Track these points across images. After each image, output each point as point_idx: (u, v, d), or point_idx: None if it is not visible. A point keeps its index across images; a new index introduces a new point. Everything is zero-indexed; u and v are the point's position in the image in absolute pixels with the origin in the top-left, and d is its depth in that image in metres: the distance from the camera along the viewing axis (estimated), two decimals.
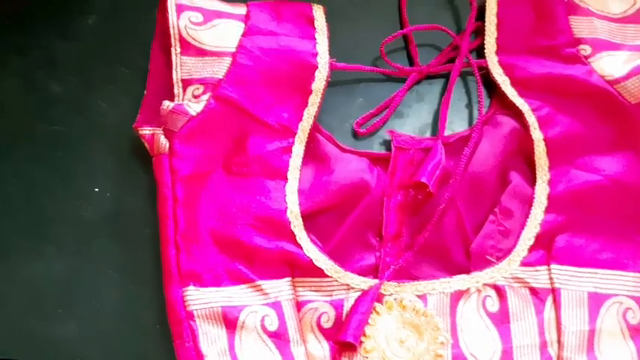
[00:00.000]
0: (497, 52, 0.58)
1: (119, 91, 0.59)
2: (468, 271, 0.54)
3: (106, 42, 0.60)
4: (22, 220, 0.56)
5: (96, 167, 0.57)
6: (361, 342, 0.51)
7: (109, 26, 0.61)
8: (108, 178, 0.57)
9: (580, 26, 0.57)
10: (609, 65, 0.55)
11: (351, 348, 0.51)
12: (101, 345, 0.54)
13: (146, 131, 0.54)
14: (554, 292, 0.52)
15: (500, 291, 0.53)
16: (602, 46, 0.56)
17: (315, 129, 0.56)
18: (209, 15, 0.55)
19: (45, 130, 0.58)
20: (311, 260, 0.52)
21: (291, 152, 0.55)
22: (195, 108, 0.53)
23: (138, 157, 0.57)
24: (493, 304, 0.53)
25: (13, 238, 0.56)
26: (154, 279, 0.54)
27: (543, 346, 0.52)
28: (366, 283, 0.53)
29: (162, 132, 0.53)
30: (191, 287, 0.51)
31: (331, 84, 0.57)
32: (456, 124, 0.59)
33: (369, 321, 0.52)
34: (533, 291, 0.53)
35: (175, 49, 0.54)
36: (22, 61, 0.60)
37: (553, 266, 0.53)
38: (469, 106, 0.60)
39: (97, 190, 0.57)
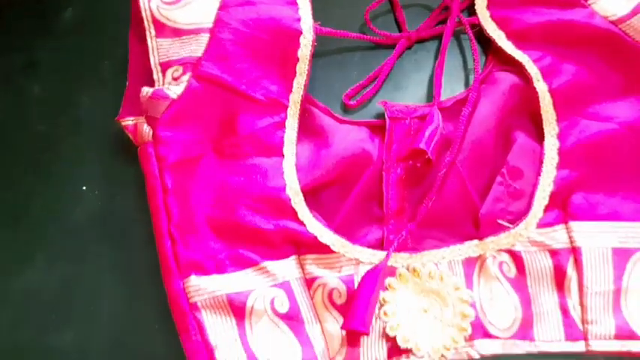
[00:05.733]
0: (489, 7, 0.51)
1: (102, 85, 0.53)
2: (477, 239, 0.47)
3: (86, 34, 0.54)
4: (10, 227, 0.51)
5: (82, 165, 0.51)
6: (385, 322, 0.45)
7: (88, 17, 0.55)
8: (95, 176, 0.51)
9: None
10: (611, 4, 0.48)
11: (364, 334, 0.45)
12: (100, 351, 0.48)
13: (129, 122, 0.49)
14: (575, 252, 0.45)
15: (515, 256, 0.46)
16: None
17: (308, 101, 0.50)
18: None
19: (28, 131, 0.53)
20: (315, 237, 0.46)
21: (284, 127, 0.48)
22: (175, 90, 0.47)
23: (124, 151, 0.50)
24: (509, 270, 0.46)
25: (3, 247, 0.50)
26: (149, 278, 0.48)
27: (565, 310, 0.45)
28: (376, 256, 0.46)
29: (144, 121, 0.47)
30: (192, 277, 0.44)
31: (322, 57, 0.51)
32: (452, 89, 0.52)
33: (388, 299, 0.45)
34: (553, 252, 0.45)
35: (150, 32, 0.48)
36: (1, 64, 0.54)
37: (572, 223, 0.46)
38: (463, 68, 0.53)
39: (84, 188, 0.51)
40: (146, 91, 0.47)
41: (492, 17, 0.51)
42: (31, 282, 0.49)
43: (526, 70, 0.48)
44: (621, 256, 0.45)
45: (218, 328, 0.44)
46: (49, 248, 0.50)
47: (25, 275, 0.49)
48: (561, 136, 0.47)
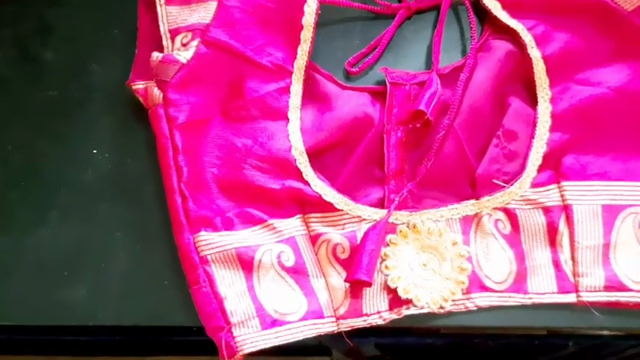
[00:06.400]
0: None
1: (112, 52, 0.54)
2: (473, 199, 0.49)
3: (96, 3, 0.56)
4: (23, 188, 0.52)
5: (93, 129, 0.53)
6: (386, 275, 0.47)
7: None
8: (105, 139, 0.53)
9: None
10: None
11: (366, 285, 0.46)
12: (111, 306, 0.49)
13: (139, 85, 0.50)
14: (567, 209, 0.47)
15: (510, 214, 0.48)
16: None
17: (312, 68, 0.52)
18: None
19: (41, 97, 0.54)
20: (320, 195, 0.48)
21: (289, 92, 0.50)
22: (185, 55, 0.48)
23: (134, 116, 0.52)
24: (504, 227, 0.48)
25: (16, 207, 0.52)
26: (160, 236, 0.50)
27: (557, 264, 0.47)
28: (377, 214, 0.48)
29: (154, 84, 0.49)
30: (203, 232, 0.46)
31: (326, 26, 0.53)
32: (450, 58, 0.53)
33: (389, 254, 0.47)
34: (546, 210, 0.48)
35: (159, 0, 0.50)
36: (14, 32, 0.56)
37: (563, 183, 0.48)
38: (460, 37, 0.55)
39: (95, 151, 0.52)
40: (156, 55, 0.49)
41: None
42: (44, 240, 0.51)
43: (520, 38, 0.50)
44: (610, 212, 0.47)
45: (227, 281, 0.46)
46: (62, 207, 0.51)
47: (38, 233, 0.51)
48: (554, 101, 0.49)
